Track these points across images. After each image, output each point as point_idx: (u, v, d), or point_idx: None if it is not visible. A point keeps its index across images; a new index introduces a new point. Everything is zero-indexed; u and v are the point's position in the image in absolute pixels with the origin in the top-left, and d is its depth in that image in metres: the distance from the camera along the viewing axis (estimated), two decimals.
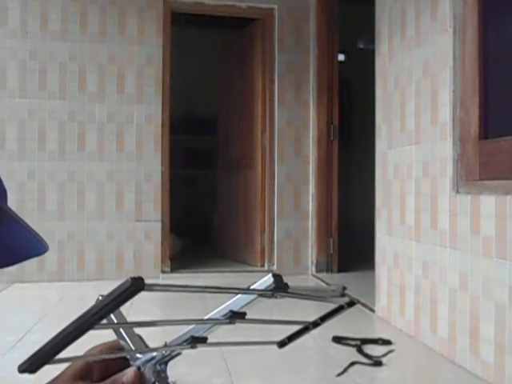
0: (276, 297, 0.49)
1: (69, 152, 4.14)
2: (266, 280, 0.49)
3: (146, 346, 0.54)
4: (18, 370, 0.41)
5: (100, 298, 0.53)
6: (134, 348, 0.54)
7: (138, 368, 0.52)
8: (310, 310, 2.15)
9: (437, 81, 2.51)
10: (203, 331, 0.51)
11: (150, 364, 0.52)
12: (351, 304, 0.53)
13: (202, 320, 0.49)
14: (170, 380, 0.52)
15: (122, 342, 0.54)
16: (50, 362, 0.41)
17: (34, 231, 0.66)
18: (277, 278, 0.49)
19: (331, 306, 0.54)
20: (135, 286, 0.37)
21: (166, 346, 0.51)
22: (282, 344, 0.57)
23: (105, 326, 0.43)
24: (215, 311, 0.51)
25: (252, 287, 0.49)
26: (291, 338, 0.57)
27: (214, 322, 0.50)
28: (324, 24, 4.54)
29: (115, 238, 4.20)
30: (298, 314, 2.68)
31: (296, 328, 0.56)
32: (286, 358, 2.30)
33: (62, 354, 0.42)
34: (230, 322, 0.50)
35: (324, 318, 0.54)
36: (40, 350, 0.41)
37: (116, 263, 4.19)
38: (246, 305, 0.50)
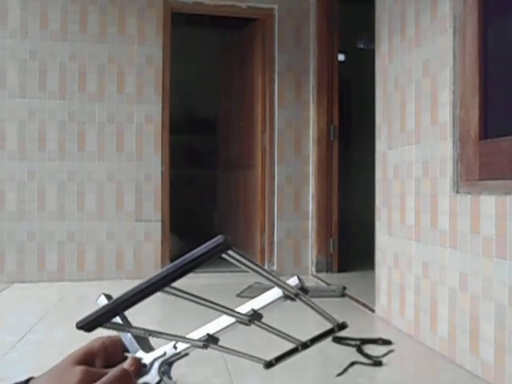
0: (296, 300, 0.49)
1: (69, 152, 4.14)
2: (293, 281, 0.48)
3: (151, 347, 0.53)
4: (76, 326, 0.40)
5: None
6: (139, 347, 0.52)
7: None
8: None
9: (437, 81, 2.51)
10: (220, 329, 0.50)
11: (158, 362, 0.51)
12: (342, 327, 0.53)
13: (230, 310, 0.48)
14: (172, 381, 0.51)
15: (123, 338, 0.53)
16: (106, 325, 0.41)
17: None
18: (301, 280, 0.49)
19: (334, 314, 0.54)
20: (225, 244, 0.36)
21: (178, 336, 0.49)
22: (269, 365, 0.57)
23: (171, 292, 0.40)
24: (240, 307, 0.50)
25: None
26: (279, 359, 0.56)
27: (236, 316, 0.49)
28: (324, 24, 4.54)
29: (115, 238, 4.20)
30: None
31: (287, 346, 0.56)
32: None
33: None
34: (249, 321, 0.49)
35: (314, 340, 0.55)
36: (100, 310, 0.40)
37: (116, 263, 4.19)
38: (267, 305, 0.49)
